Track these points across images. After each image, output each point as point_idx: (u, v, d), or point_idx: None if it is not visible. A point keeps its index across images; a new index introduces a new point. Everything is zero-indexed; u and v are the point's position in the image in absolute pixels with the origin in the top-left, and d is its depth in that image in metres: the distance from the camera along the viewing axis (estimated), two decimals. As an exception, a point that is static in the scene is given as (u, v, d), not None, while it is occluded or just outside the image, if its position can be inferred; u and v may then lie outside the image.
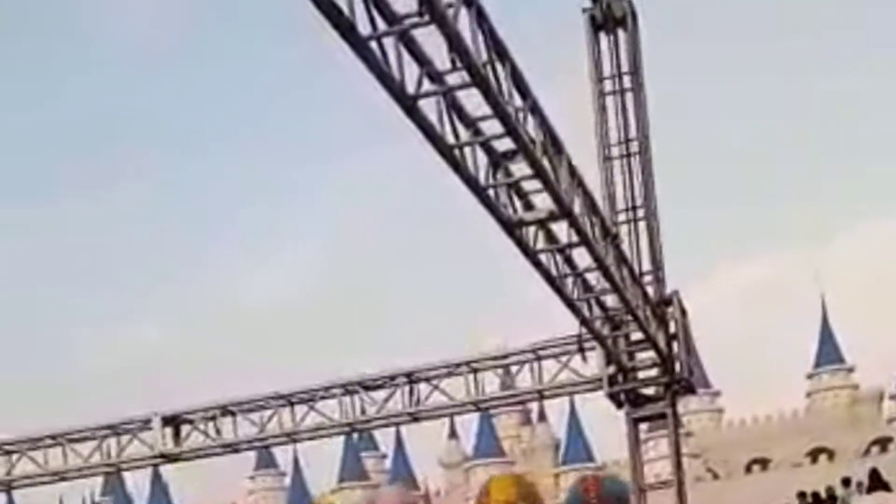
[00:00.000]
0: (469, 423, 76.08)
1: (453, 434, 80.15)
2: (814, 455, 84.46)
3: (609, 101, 17.53)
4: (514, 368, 19.27)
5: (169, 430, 20.29)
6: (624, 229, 17.28)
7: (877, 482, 40.98)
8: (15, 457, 20.66)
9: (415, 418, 19.81)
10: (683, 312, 17.56)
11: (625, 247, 16.27)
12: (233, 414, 20.21)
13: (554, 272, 13.65)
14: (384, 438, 77.53)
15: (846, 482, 39.55)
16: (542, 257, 13.28)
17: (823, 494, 39.20)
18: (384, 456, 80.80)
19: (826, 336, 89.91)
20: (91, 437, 20.61)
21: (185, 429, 20.34)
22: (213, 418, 20.23)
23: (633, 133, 17.46)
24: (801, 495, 38.49)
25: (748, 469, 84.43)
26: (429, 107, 10.02)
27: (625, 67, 17.50)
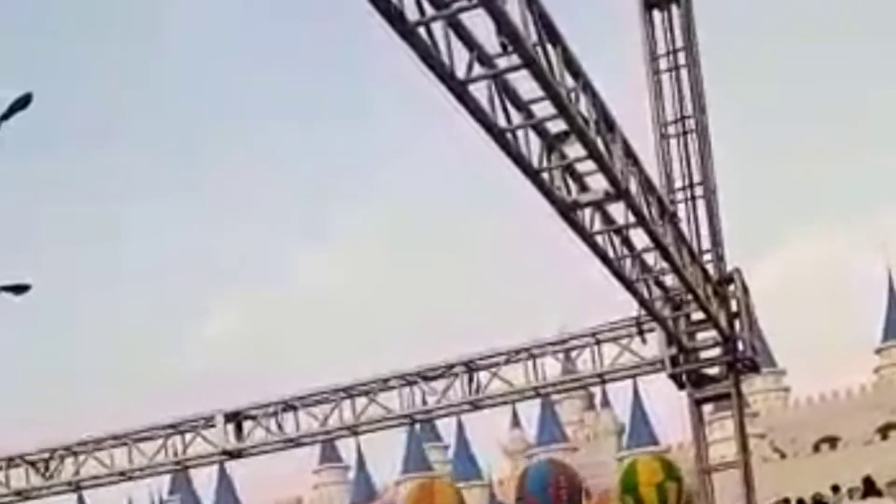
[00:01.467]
0: (532, 411, 75.95)
1: (516, 422, 79.97)
2: (884, 432, 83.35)
3: (664, 78, 17.36)
4: (573, 353, 19.12)
5: (231, 427, 20.34)
6: (682, 208, 17.10)
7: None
8: (82, 458, 20.81)
9: (475, 407, 19.72)
10: (745, 290, 17.33)
11: (683, 226, 16.11)
12: (294, 409, 20.24)
13: (611, 254, 13.51)
14: (447, 429, 77.62)
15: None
16: (599, 239, 13.15)
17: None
18: (447, 446, 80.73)
19: (894, 308, 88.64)
20: (156, 437, 20.71)
21: (247, 425, 20.40)
22: (275, 414, 20.25)
23: (688, 110, 17.27)
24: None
25: (816, 448, 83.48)
26: (479, 91, 9.92)
27: (679, 44, 17.31)
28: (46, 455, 20.91)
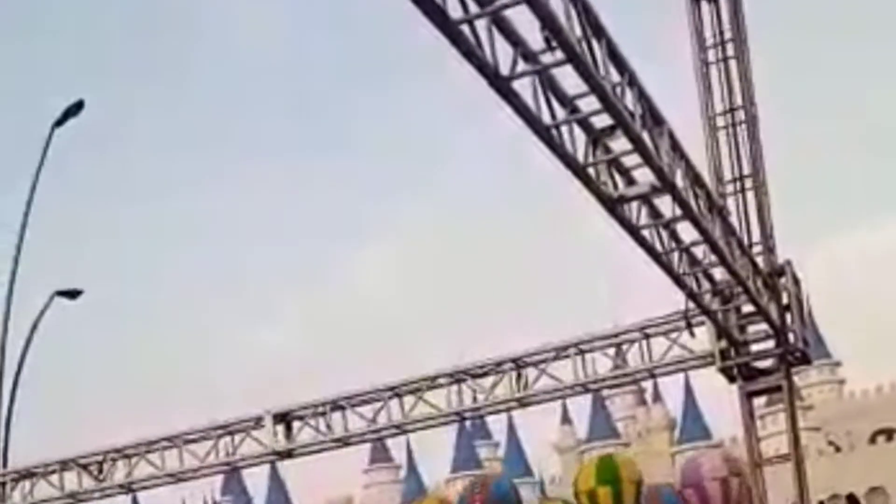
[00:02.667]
0: (583, 408, 75.77)
1: (566, 418, 79.76)
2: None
3: (713, 70, 17.25)
4: (623, 348, 19.01)
5: (281, 428, 20.39)
6: (732, 200, 16.98)
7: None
8: (134, 460, 20.94)
9: (523, 403, 19.66)
10: (797, 282, 17.18)
11: (733, 218, 15.99)
12: (343, 408, 20.25)
13: (659, 247, 13.42)
14: (497, 426, 77.57)
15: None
16: (646, 233, 13.07)
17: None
18: (497, 444, 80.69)
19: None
20: (206, 438, 20.79)
21: (296, 425, 20.44)
22: (324, 414, 20.28)
23: (738, 101, 17.14)
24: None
25: (872, 440, 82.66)
26: (523, 87, 9.89)
27: (727, 35, 17.18)
28: (99, 458, 21.05)
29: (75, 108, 27.05)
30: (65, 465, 21.15)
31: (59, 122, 27.20)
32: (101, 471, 21.08)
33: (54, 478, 21.28)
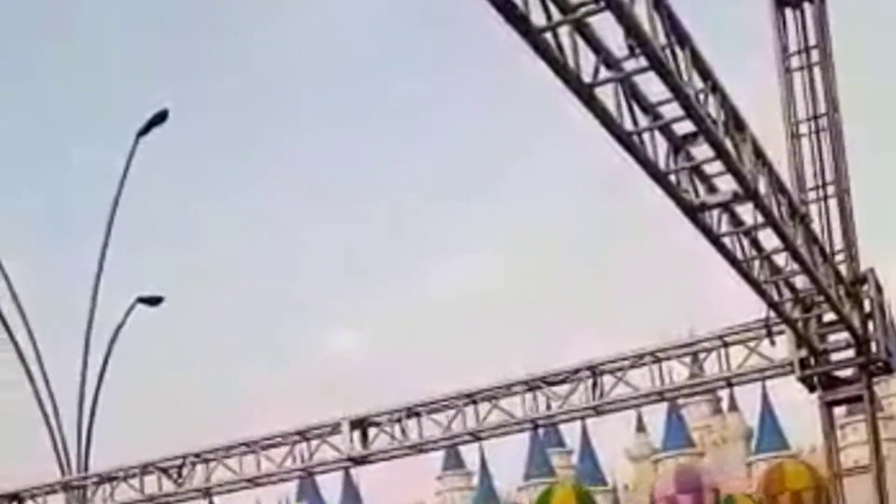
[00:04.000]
0: (657, 416, 75.20)
1: (641, 427, 79.24)
2: None
3: (796, 77, 17.11)
4: (700, 356, 18.88)
5: (357, 434, 20.49)
6: (814, 208, 16.82)
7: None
8: (212, 464, 21.16)
9: (598, 411, 19.58)
10: (879, 290, 16.97)
11: (815, 226, 15.84)
12: (418, 415, 20.31)
13: (739, 255, 13.34)
14: (570, 434, 77.23)
15: None
16: (727, 240, 13.00)
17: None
18: (570, 451, 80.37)
19: None
20: (283, 443, 20.96)
21: (372, 431, 20.53)
22: (399, 420, 20.36)
23: (821, 108, 16.99)
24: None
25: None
26: (605, 94, 9.88)
27: (812, 41, 17.04)
28: (178, 462, 21.30)
29: (159, 118, 27.36)
30: (145, 468, 21.43)
31: (144, 132, 27.54)
32: (180, 475, 21.33)
33: (135, 481, 21.57)
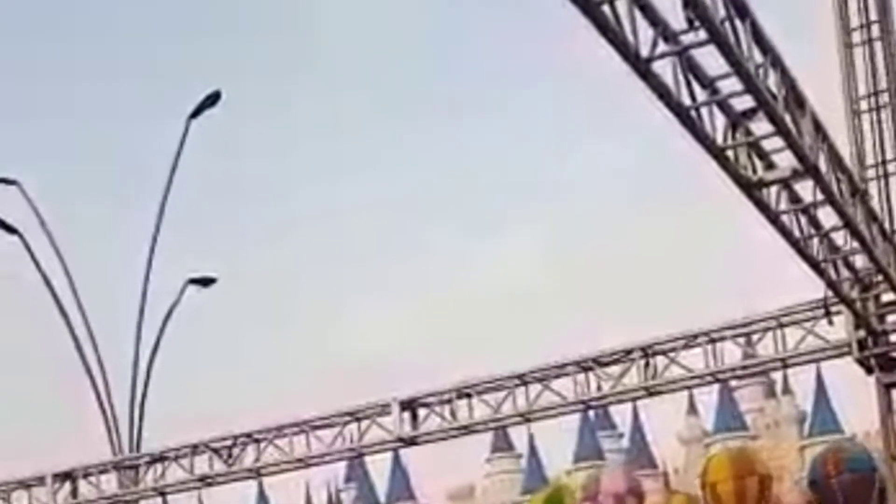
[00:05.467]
0: (709, 399, 74.58)
1: (692, 409, 78.65)
2: None
3: (857, 52, 16.85)
4: (755, 337, 18.64)
5: (407, 415, 20.43)
6: (874, 186, 16.56)
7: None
8: (263, 444, 21.17)
9: (651, 393, 19.37)
10: (940, 270, 16.68)
11: (874, 203, 15.58)
12: (469, 396, 20.21)
13: (797, 233, 13.12)
14: (620, 417, 76.80)
15: None
16: (785, 218, 12.78)
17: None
18: (621, 434, 80.00)
19: None
20: (333, 424, 20.94)
21: (422, 412, 20.45)
22: (450, 401, 20.27)
23: (882, 85, 16.72)
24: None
25: None
26: (663, 69, 9.72)
27: (873, 16, 16.76)
28: (229, 442, 21.33)
29: (211, 100, 27.32)
30: (196, 448, 21.48)
31: (195, 114, 27.50)
32: (230, 455, 21.36)
33: (185, 461, 21.62)
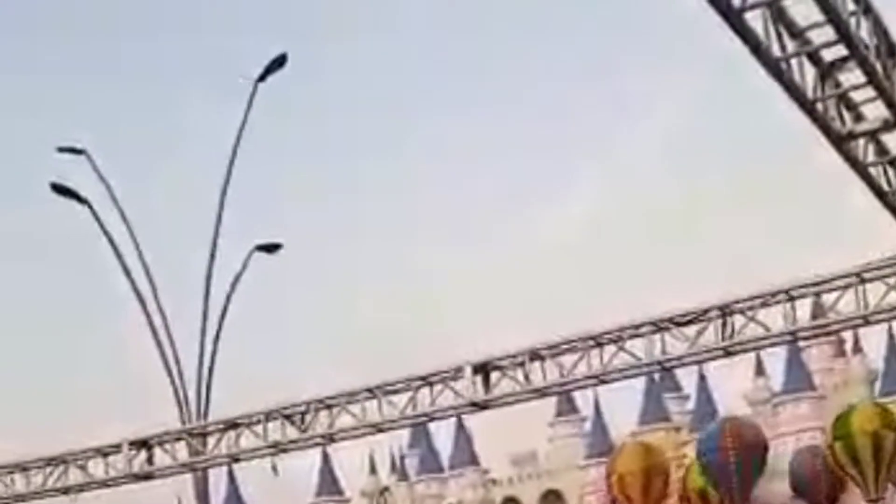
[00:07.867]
0: (777, 360, 73.62)
1: (760, 370, 77.77)
2: None
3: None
4: (834, 295, 18.30)
5: (479, 378, 20.31)
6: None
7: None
8: (335, 410, 21.15)
9: (728, 353, 19.12)
10: None
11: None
12: (542, 358, 20.03)
13: (885, 186, 12.82)
14: (686, 379, 75.99)
15: None
16: (872, 171, 12.48)
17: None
18: (687, 397, 79.24)
19: None
20: (405, 389, 20.87)
21: (494, 376, 20.32)
22: (522, 364, 20.11)
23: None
24: None
25: None
26: (754, 19, 9.47)
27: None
28: (302, 409, 21.32)
29: (278, 63, 27.13)
30: (269, 415, 21.50)
31: (262, 77, 27.35)
32: (303, 421, 21.36)
33: (258, 428, 21.65)
